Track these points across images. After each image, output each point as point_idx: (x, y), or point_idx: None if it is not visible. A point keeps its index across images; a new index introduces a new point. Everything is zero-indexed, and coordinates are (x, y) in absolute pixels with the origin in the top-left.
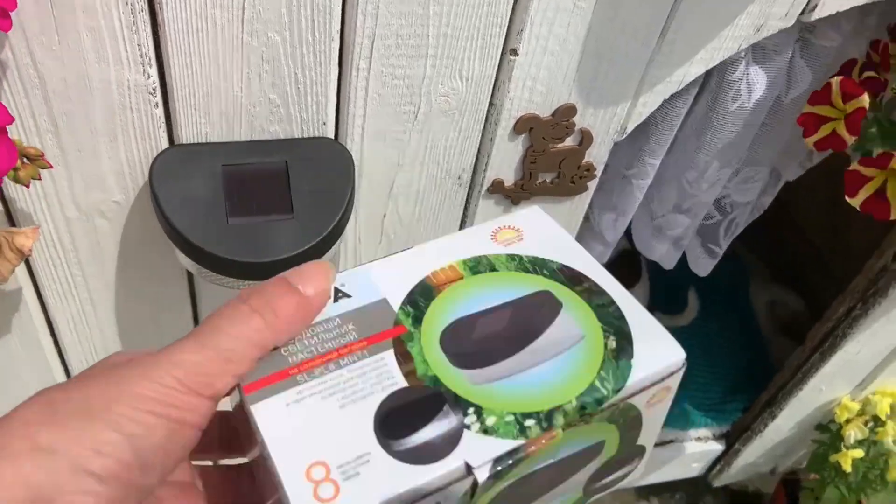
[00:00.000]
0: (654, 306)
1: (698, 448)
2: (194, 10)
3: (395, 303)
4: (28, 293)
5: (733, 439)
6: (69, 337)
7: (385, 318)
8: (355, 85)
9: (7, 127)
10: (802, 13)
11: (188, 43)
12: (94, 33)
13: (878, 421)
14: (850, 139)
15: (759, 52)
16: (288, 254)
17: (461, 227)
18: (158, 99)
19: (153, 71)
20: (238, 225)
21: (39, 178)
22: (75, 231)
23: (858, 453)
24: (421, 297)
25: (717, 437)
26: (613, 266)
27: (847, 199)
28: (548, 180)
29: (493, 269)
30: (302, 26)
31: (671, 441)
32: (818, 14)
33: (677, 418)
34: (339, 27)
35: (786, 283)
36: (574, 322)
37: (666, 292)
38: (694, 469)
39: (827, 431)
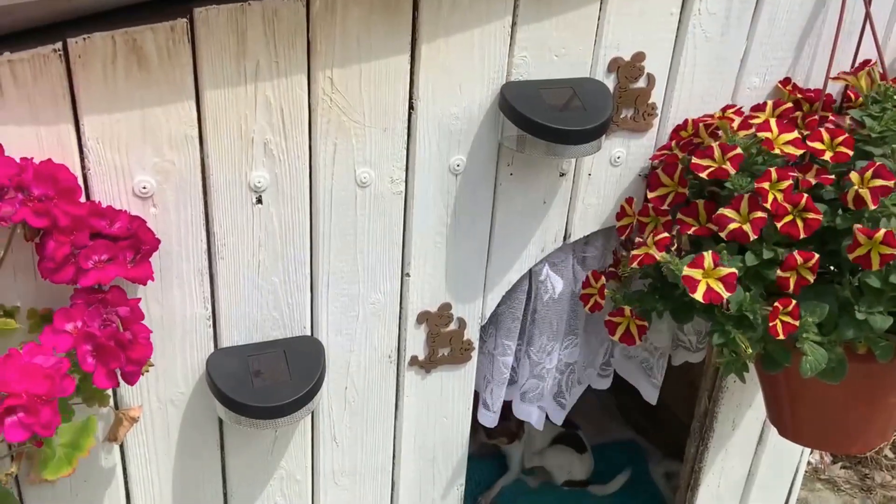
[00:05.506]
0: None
1: None
2: (232, 272)
3: None
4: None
5: None
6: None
7: None
8: (320, 303)
9: None
10: (564, 239)
11: (229, 290)
12: (182, 286)
13: None
14: (602, 302)
15: (552, 264)
16: (287, 400)
17: (397, 394)
18: (211, 322)
19: (209, 306)
20: (258, 387)
21: (148, 370)
22: (155, 416)
23: None
24: None
25: None
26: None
27: (610, 336)
28: (445, 353)
29: None
30: (289, 271)
31: None
32: (571, 240)
33: None
34: (308, 270)
35: (674, 457)
36: None
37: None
38: None
39: None
